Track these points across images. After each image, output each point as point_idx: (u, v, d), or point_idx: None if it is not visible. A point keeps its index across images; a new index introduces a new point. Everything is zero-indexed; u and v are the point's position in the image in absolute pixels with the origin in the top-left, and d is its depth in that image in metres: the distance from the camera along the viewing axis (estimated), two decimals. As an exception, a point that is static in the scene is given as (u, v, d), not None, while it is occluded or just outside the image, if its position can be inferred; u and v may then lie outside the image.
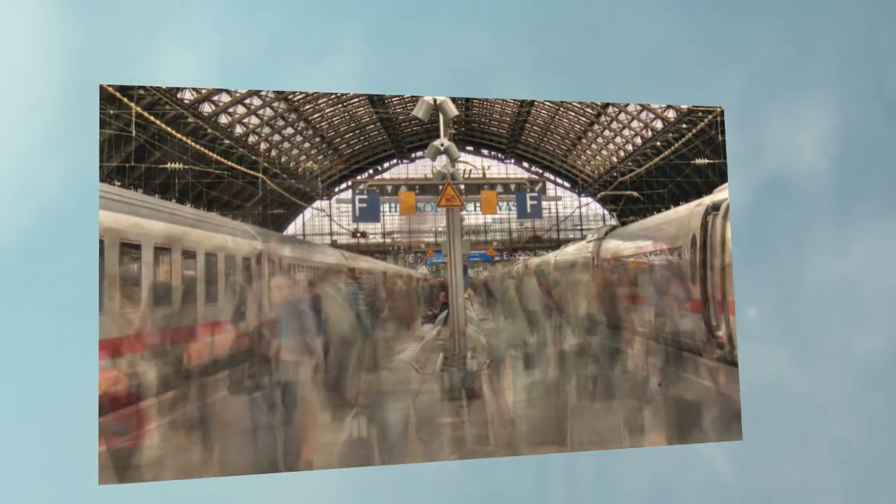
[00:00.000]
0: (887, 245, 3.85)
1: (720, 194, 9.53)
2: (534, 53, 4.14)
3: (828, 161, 3.95)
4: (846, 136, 3.93)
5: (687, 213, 10.22)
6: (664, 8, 3.81)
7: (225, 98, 33.24)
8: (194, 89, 28.44)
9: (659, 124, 37.57)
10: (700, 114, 30.85)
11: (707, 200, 9.98)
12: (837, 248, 3.94)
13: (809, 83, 3.90)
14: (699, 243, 8.74)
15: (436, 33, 4.02)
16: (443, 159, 10.46)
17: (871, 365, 3.93)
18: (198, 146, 31.58)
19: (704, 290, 8.98)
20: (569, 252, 20.97)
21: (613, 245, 14.70)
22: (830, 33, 3.89)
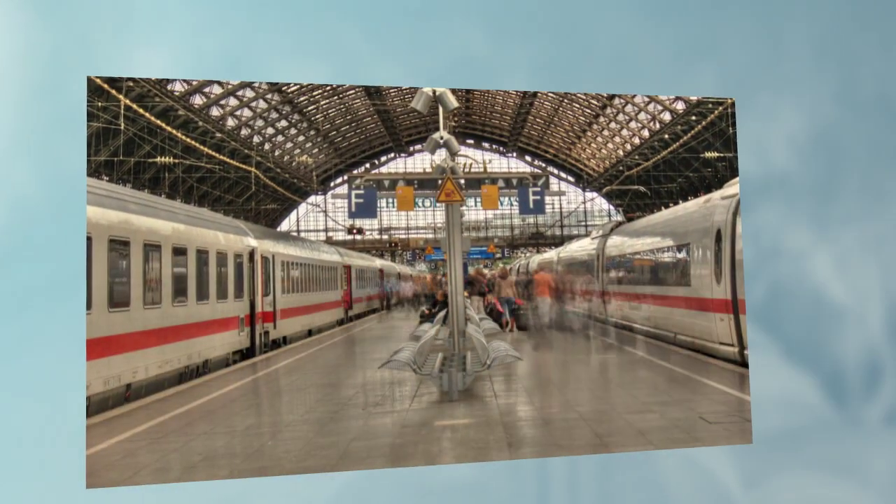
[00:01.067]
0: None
1: (730, 189, 9.44)
2: (536, 44, 4.11)
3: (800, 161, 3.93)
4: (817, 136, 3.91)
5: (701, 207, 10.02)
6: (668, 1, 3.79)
7: (216, 90, 33.05)
8: (185, 81, 28.35)
9: (667, 116, 37.11)
10: (710, 105, 30.48)
11: (717, 195, 9.87)
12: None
13: (783, 83, 3.89)
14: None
15: (435, 23, 4.00)
16: (442, 153, 10.38)
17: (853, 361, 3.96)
18: (188, 140, 31.34)
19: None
20: (572, 249, 20.93)
21: (619, 241, 14.63)
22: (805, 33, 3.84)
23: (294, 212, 49.15)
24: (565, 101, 39.81)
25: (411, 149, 51.52)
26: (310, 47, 4.12)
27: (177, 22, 3.95)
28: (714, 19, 3.99)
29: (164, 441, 5.06)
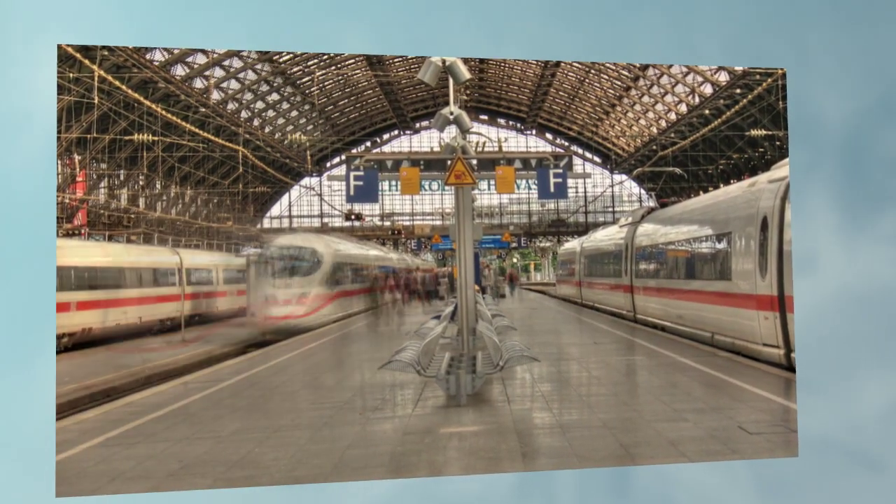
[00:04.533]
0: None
1: (779, 171, 9.28)
2: (561, 7, 4.04)
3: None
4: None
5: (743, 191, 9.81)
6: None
7: (200, 59, 33.07)
8: (165, 49, 28.41)
9: (708, 89, 36.32)
10: (758, 77, 29.75)
11: (763, 178, 9.71)
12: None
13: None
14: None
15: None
16: (452, 130, 10.32)
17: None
18: (169, 115, 31.46)
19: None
20: (598, 238, 20.85)
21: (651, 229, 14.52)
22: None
23: (286, 195, 49.34)
24: (592, 72, 39.36)
25: (417, 125, 51.42)
26: (304, 11, 4.09)
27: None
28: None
29: (140, 446, 5.13)
